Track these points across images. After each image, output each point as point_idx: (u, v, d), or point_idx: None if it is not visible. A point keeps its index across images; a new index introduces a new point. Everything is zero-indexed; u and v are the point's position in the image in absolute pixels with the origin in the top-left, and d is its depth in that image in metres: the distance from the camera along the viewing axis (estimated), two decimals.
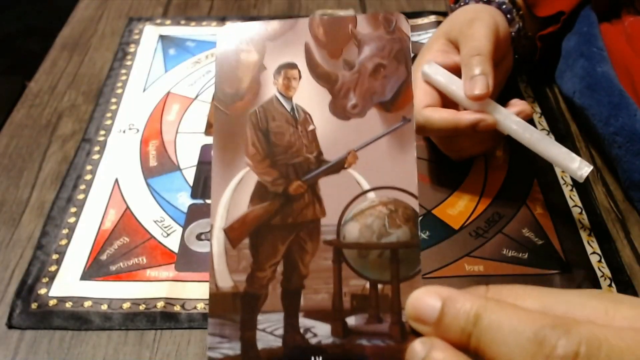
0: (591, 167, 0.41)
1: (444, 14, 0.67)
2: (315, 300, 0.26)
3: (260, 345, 0.26)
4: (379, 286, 0.26)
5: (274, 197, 0.27)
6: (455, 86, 0.44)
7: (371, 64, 0.28)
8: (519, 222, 0.47)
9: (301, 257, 0.27)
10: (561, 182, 0.50)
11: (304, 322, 0.26)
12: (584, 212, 0.48)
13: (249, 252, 0.27)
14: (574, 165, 0.41)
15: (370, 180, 0.27)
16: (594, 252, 0.45)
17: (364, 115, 0.28)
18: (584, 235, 0.46)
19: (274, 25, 0.29)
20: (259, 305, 0.26)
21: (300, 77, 0.28)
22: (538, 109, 0.57)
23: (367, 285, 0.26)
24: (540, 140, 0.42)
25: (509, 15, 0.51)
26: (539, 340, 0.20)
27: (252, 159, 0.27)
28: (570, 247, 0.45)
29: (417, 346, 0.23)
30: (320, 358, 0.25)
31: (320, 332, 0.26)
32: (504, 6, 0.51)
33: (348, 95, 0.28)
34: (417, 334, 0.24)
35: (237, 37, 0.29)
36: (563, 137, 0.54)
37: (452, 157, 0.50)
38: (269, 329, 0.26)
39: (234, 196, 0.27)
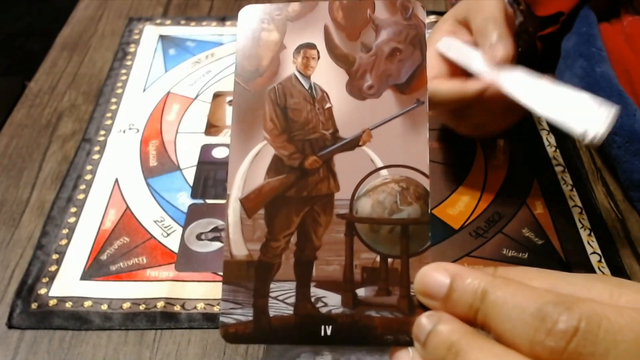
0: (601, 131, 0.33)
1: (444, 14, 0.67)
2: (326, 271, 0.27)
3: (272, 312, 0.26)
4: (389, 260, 0.27)
5: (289, 170, 0.28)
6: (471, 57, 0.43)
7: (388, 47, 0.29)
8: (519, 222, 0.47)
9: (314, 229, 0.27)
10: (561, 182, 0.50)
11: (315, 291, 0.27)
12: (584, 212, 0.48)
13: (264, 222, 0.27)
14: (578, 130, 0.34)
15: (383, 158, 0.28)
16: (594, 252, 0.45)
17: (379, 96, 0.29)
18: (584, 235, 0.46)
19: (294, 6, 0.30)
20: (272, 273, 0.27)
21: (318, 57, 0.29)
22: None
23: (378, 258, 0.27)
24: (548, 105, 0.37)
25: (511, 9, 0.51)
26: (541, 316, 0.20)
27: (270, 134, 0.28)
28: (570, 247, 0.45)
29: (423, 320, 0.24)
30: (330, 327, 0.26)
31: (331, 302, 0.26)
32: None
33: (364, 76, 0.29)
34: (425, 307, 0.24)
35: (259, 17, 0.30)
36: (563, 137, 0.54)
37: (473, 136, 0.48)
38: (281, 297, 0.27)
39: (251, 168, 0.28)
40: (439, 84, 0.43)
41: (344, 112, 0.28)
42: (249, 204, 0.28)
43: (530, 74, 0.40)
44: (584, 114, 0.35)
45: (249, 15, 0.30)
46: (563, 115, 0.36)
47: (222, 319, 0.26)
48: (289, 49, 0.29)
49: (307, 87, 0.29)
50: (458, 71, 0.44)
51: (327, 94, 0.29)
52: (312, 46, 0.29)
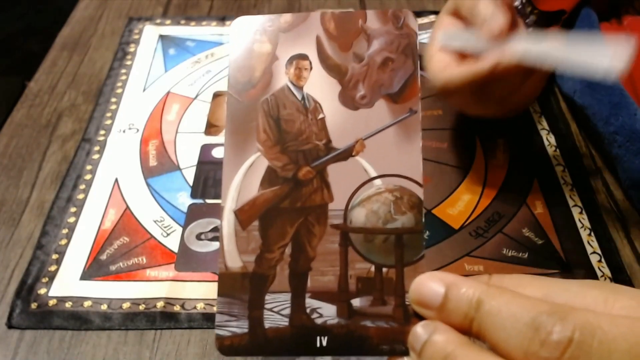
0: (625, 59, 0.33)
1: None
2: (321, 282, 0.27)
3: (267, 324, 0.26)
4: (384, 270, 0.27)
5: (283, 181, 0.28)
6: (473, 38, 0.42)
7: (380, 57, 0.29)
8: (519, 221, 0.47)
9: (309, 240, 0.27)
10: (561, 181, 0.50)
11: (310, 302, 0.27)
12: (584, 212, 0.48)
13: (259, 234, 0.27)
14: (602, 65, 0.34)
15: (377, 168, 0.28)
16: (594, 252, 0.45)
17: (372, 106, 0.29)
18: (584, 235, 0.46)
19: (286, 17, 0.30)
20: (267, 285, 0.27)
21: (311, 68, 0.29)
22: (538, 109, 0.57)
23: (372, 268, 0.27)
24: (567, 53, 0.36)
25: None
26: (535, 326, 0.20)
27: (263, 145, 0.28)
28: (570, 247, 0.45)
29: (419, 329, 0.24)
30: (326, 338, 0.26)
31: (326, 312, 0.26)
32: None
33: (357, 86, 0.29)
34: (420, 316, 0.24)
35: (251, 28, 0.30)
36: (563, 137, 0.54)
37: (500, 115, 0.48)
38: (276, 309, 0.27)
39: (245, 179, 0.28)
40: (451, 70, 0.43)
41: (337, 123, 0.28)
42: (243, 216, 0.28)
43: (534, 35, 0.40)
44: (603, 50, 0.35)
45: (241, 26, 0.30)
46: (583, 56, 0.35)
47: (217, 331, 0.26)
48: (282, 60, 0.29)
49: (299, 97, 0.29)
50: (466, 58, 0.44)
51: (319, 104, 0.29)
52: (304, 57, 0.29)
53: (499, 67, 0.40)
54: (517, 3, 0.52)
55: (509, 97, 0.46)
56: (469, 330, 0.23)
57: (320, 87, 0.29)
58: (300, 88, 0.29)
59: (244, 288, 0.27)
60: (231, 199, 0.28)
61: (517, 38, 0.41)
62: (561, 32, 0.42)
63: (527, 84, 0.45)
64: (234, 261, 0.27)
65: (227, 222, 0.28)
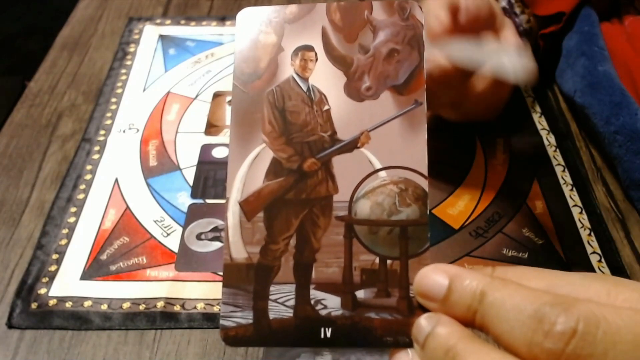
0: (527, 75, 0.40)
1: None
2: (326, 273, 0.27)
3: (271, 315, 0.26)
4: (388, 262, 0.27)
5: (288, 173, 0.28)
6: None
7: (385, 48, 0.29)
8: (519, 221, 0.47)
9: (313, 231, 0.27)
10: (561, 181, 0.50)
11: (314, 294, 0.27)
12: (584, 212, 0.48)
13: (263, 225, 0.28)
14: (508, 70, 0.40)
15: (382, 160, 0.28)
16: (594, 252, 0.45)
17: (377, 98, 0.29)
18: (584, 235, 0.46)
19: (292, 9, 0.30)
20: (272, 276, 0.27)
21: (316, 59, 0.29)
22: (538, 109, 0.57)
23: (377, 260, 0.27)
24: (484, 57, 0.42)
25: None
26: (539, 317, 0.20)
27: (269, 136, 0.28)
28: (570, 247, 0.45)
29: (422, 322, 0.24)
30: (330, 329, 0.26)
31: (330, 304, 0.26)
32: None
33: (362, 78, 0.29)
34: (424, 308, 0.24)
35: (257, 20, 0.30)
36: (563, 137, 0.54)
37: (461, 119, 0.50)
38: (281, 300, 0.27)
39: (250, 171, 0.28)
40: None
41: (342, 114, 0.28)
42: (248, 207, 0.28)
43: (464, 41, 0.43)
44: (513, 59, 0.41)
45: (246, 18, 0.30)
46: (498, 62, 0.41)
47: (222, 322, 0.26)
48: (287, 51, 0.29)
49: (305, 89, 0.29)
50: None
51: (325, 96, 0.29)
52: (309, 48, 0.29)
53: (434, 74, 0.42)
54: (503, 3, 0.52)
55: (463, 102, 0.47)
56: (473, 322, 0.23)
57: (326, 78, 0.29)
58: (305, 79, 0.29)
59: (248, 279, 0.27)
60: (236, 190, 0.28)
61: (452, 42, 0.42)
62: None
63: (481, 91, 0.46)
64: (239, 252, 0.27)
65: (232, 214, 0.28)
